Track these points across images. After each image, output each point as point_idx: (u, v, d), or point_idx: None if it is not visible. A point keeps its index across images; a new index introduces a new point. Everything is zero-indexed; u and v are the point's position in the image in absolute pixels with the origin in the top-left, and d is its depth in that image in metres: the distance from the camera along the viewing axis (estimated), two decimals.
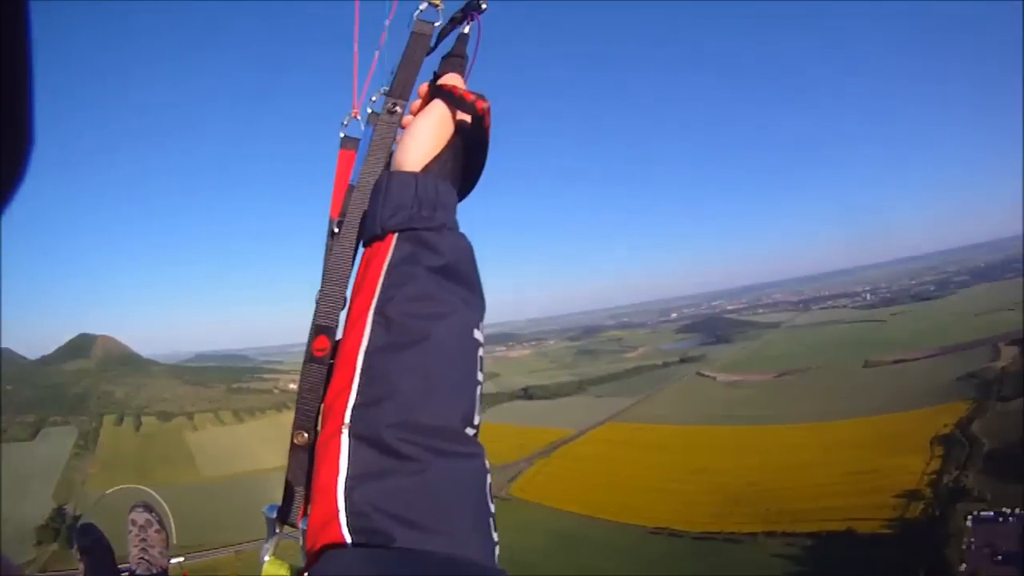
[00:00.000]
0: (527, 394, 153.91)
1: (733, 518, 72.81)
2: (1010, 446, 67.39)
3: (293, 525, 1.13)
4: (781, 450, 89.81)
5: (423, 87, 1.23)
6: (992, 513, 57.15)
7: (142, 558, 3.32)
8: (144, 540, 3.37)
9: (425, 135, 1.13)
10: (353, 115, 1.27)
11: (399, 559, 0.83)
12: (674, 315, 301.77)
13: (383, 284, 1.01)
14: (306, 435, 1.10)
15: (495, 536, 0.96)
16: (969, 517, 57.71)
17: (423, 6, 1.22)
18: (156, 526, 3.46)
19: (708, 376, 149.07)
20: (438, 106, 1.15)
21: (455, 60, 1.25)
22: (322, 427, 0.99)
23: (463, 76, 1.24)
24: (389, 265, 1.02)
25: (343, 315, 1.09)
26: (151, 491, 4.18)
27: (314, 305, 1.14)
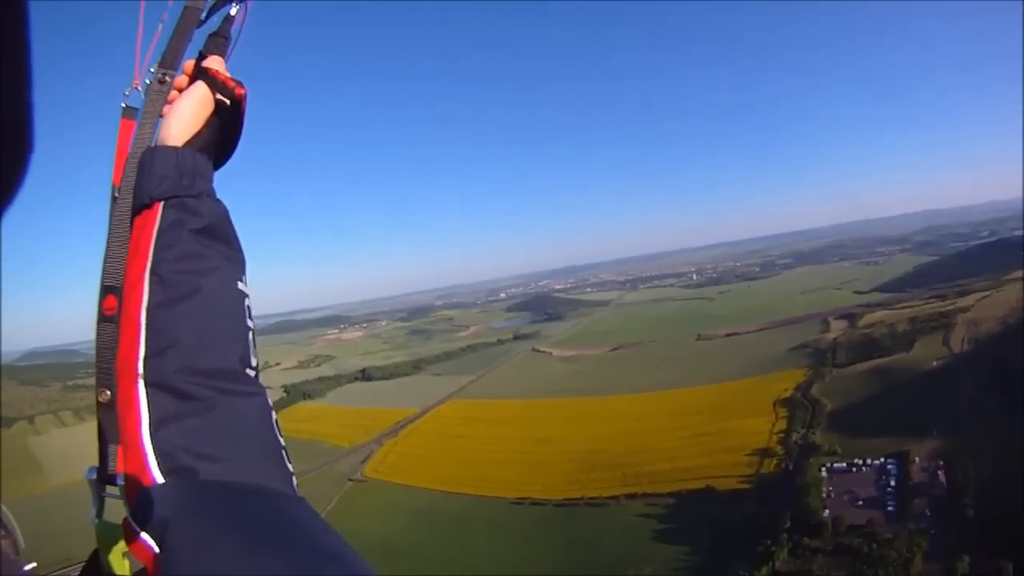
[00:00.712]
0: (365, 376, 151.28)
1: (592, 484, 74.25)
2: (851, 406, 73.33)
3: (113, 483, 1.16)
4: (625, 418, 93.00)
5: (188, 64, 1.34)
6: (844, 464, 61.60)
7: None
8: None
9: (187, 113, 1.26)
10: (134, 86, 1.32)
11: (208, 488, 0.93)
12: (503, 295, 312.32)
13: (155, 247, 1.13)
14: (108, 392, 1.13)
15: (290, 467, 1.07)
16: (823, 468, 61.66)
17: None
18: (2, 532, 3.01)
19: (543, 352, 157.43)
20: (200, 87, 1.29)
21: (219, 40, 1.37)
22: (119, 382, 1.06)
23: (224, 56, 1.36)
24: (158, 230, 1.14)
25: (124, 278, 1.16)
26: None
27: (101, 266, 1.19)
